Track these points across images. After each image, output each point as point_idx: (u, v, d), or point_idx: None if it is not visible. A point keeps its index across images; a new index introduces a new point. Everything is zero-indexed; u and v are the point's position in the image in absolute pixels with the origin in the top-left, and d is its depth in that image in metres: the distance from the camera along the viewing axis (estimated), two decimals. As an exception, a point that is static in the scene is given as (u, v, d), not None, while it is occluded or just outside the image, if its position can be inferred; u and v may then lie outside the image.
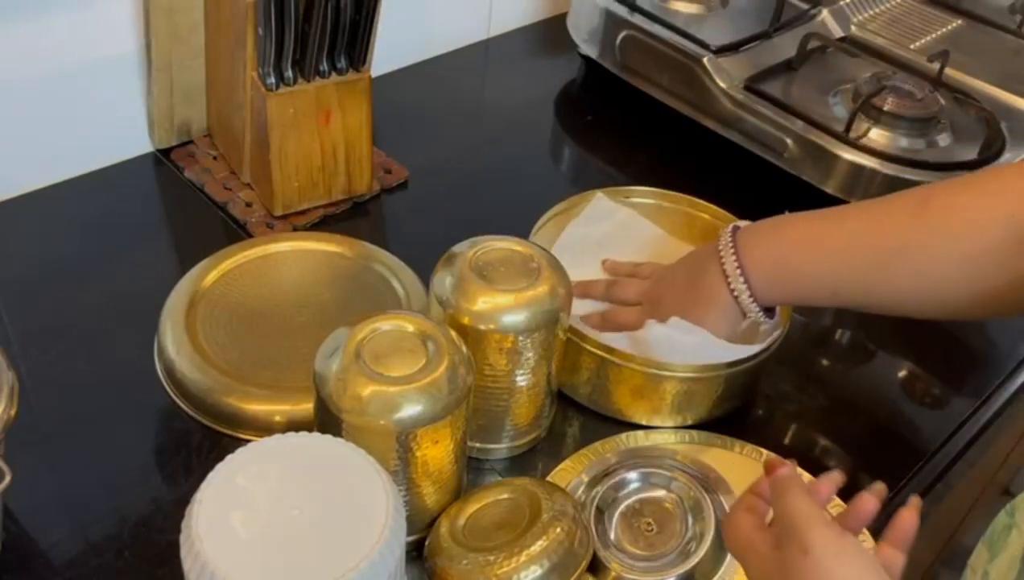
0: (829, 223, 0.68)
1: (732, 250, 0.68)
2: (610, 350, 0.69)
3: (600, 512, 0.61)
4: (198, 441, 0.68)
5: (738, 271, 0.67)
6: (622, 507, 0.61)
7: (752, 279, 0.67)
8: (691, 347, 0.69)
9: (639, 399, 0.70)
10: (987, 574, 0.59)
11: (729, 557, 0.58)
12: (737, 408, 0.74)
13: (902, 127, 0.91)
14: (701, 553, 0.58)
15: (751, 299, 0.68)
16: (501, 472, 0.69)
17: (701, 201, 0.85)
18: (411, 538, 0.60)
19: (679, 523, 0.60)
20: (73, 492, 0.64)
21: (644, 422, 0.72)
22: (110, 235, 0.85)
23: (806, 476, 0.68)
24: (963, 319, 0.82)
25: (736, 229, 0.69)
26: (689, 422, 0.72)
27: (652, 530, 0.60)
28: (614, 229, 0.83)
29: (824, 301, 0.71)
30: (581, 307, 0.75)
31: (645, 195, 0.87)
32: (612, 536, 0.60)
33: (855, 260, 0.65)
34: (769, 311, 0.70)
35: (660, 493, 0.62)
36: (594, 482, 0.63)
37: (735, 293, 0.68)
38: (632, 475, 0.63)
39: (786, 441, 0.73)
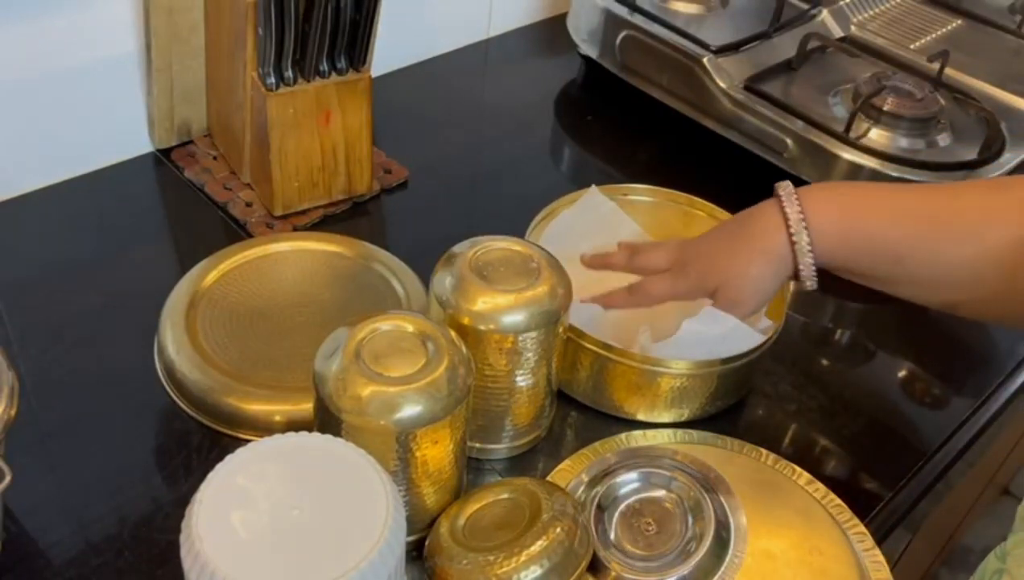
0: (903, 190, 0.65)
1: (795, 198, 0.64)
2: (607, 346, 0.69)
3: (600, 512, 0.61)
4: (198, 441, 0.68)
5: (801, 218, 0.63)
6: (622, 507, 0.61)
7: (814, 230, 0.63)
8: (716, 340, 0.67)
9: (635, 395, 0.70)
10: None
11: (729, 557, 0.58)
12: (737, 408, 0.74)
13: (902, 127, 0.91)
14: (701, 553, 0.58)
15: (810, 251, 0.64)
16: (501, 472, 0.69)
17: (700, 200, 0.86)
18: (411, 538, 0.60)
19: (679, 523, 0.60)
20: (73, 492, 0.64)
21: (641, 417, 0.72)
22: (110, 235, 0.85)
23: (805, 475, 0.68)
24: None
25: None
26: (685, 417, 0.72)
27: (652, 530, 0.60)
28: (595, 222, 0.83)
29: (884, 267, 0.65)
30: (598, 286, 0.71)
31: (644, 193, 0.87)
32: (612, 536, 0.60)
33: (931, 228, 0.62)
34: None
35: (660, 493, 0.62)
36: (594, 482, 0.63)
37: (795, 241, 0.63)
38: (632, 475, 0.63)
39: (786, 441, 0.74)
